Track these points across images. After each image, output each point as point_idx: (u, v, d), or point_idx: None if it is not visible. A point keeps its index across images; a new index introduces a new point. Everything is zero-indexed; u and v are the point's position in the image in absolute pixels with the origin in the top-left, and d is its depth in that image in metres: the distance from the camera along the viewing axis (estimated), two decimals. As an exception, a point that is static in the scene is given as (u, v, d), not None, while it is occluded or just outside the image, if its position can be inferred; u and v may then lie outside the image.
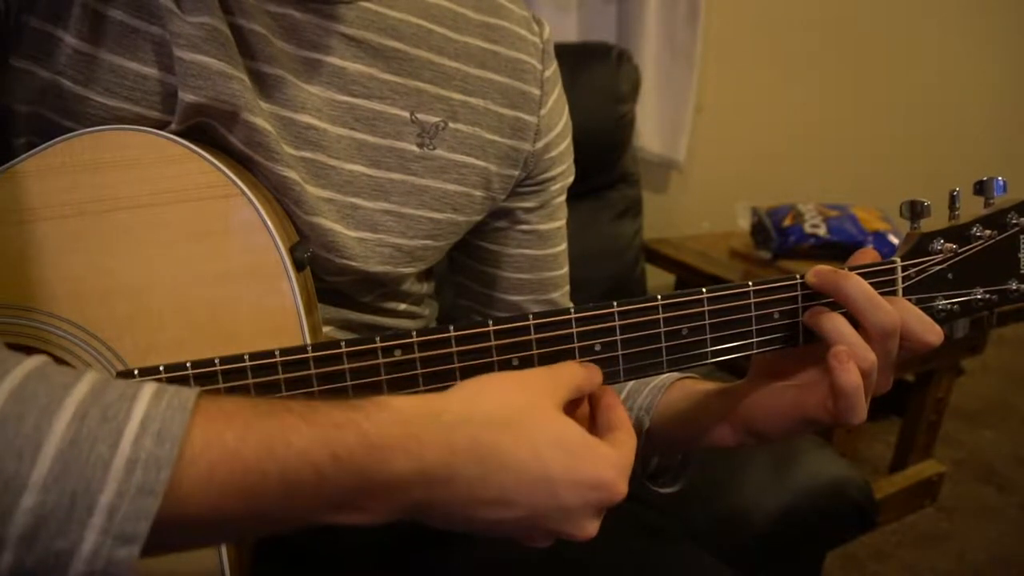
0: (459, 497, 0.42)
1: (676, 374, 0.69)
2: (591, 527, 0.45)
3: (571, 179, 0.76)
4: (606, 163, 1.64)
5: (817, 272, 0.56)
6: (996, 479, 2.04)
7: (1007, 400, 2.45)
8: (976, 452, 2.16)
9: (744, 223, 1.88)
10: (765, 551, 1.01)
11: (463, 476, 0.41)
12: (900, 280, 0.59)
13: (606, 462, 0.45)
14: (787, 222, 1.73)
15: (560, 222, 0.76)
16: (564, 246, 0.77)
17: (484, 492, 0.42)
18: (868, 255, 0.59)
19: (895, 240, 1.65)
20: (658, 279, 1.91)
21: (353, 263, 0.61)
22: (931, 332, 0.55)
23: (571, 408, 0.51)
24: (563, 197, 0.76)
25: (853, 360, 0.52)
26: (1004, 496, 1.98)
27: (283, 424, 0.38)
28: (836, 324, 0.54)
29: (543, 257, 0.75)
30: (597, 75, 1.57)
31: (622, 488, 0.45)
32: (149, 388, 0.36)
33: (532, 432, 0.44)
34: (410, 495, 0.41)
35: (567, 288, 0.79)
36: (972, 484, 2.02)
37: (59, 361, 0.51)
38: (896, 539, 1.81)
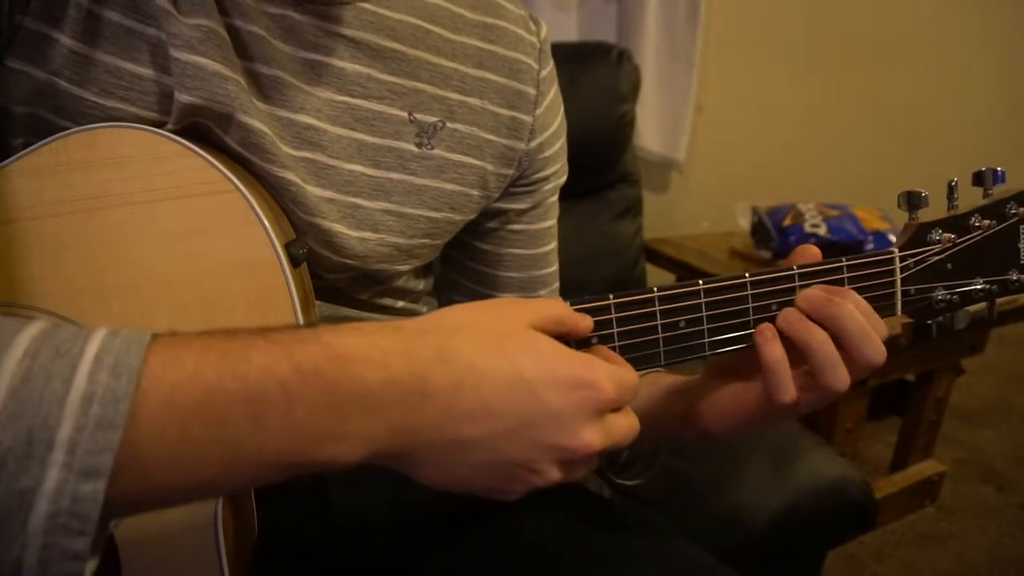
0: (437, 413, 0.40)
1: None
2: (590, 435, 0.42)
3: (564, 179, 0.76)
4: (606, 163, 1.64)
5: (786, 319, 0.55)
6: (996, 479, 2.04)
7: (1007, 400, 2.45)
8: (976, 452, 2.16)
9: (744, 223, 1.88)
10: (765, 551, 1.01)
11: (435, 386, 0.39)
12: (899, 270, 0.58)
13: (583, 362, 0.43)
14: (787, 222, 1.73)
15: (551, 221, 0.76)
16: (554, 245, 0.77)
17: (461, 402, 0.40)
18: (809, 253, 0.58)
19: (895, 239, 1.64)
20: (658, 279, 1.91)
21: (352, 261, 0.62)
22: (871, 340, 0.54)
23: None
24: (555, 196, 0.76)
25: (778, 339, 0.54)
26: (1004, 496, 1.97)
27: (244, 343, 0.36)
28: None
29: (532, 256, 0.75)
30: (597, 75, 1.57)
31: (608, 387, 0.43)
32: (103, 328, 0.35)
33: (501, 340, 0.42)
34: (385, 413, 0.38)
35: (556, 286, 0.79)
36: (972, 484, 2.02)
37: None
38: (896, 539, 1.81)
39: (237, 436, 0.35)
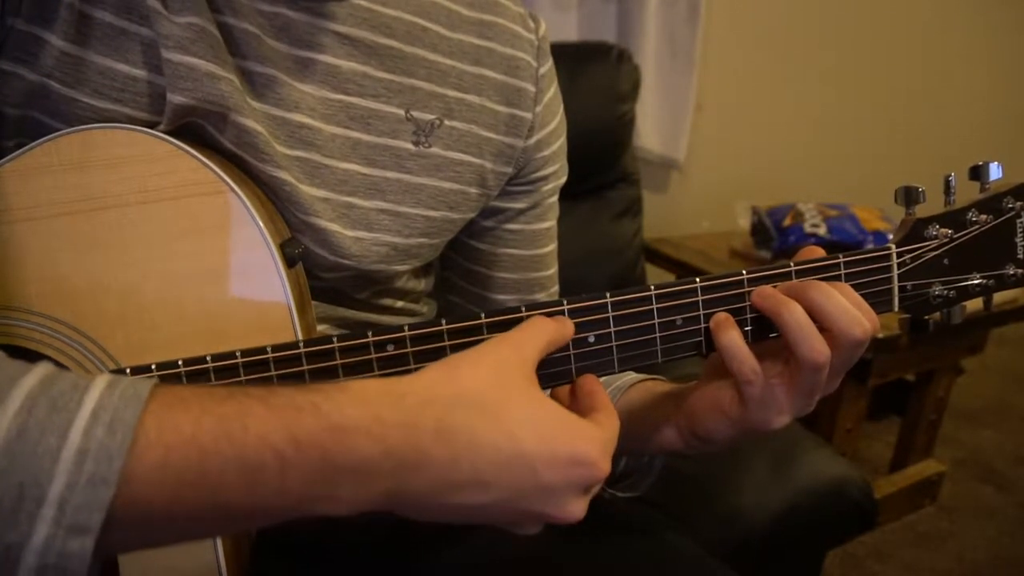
0: (431, 483, 0.40)
1: (641, 375, 0.68)
2: (576, 508, 0.43)
3: (564, 179, 0.75)
4: (606, 162, 1.64)
5: (760, 294, 0.54)
6: (996, 479, 2.04)
7: (1007, 399, 2.45)
8: (976, 452, 2.15)
9: (744, 222, 1.88)
10: (765, 551, 1.01)
11: (432, 459, 0.39)
12: (895, 266, 0.58)
13: (585, 437, 0.43)
14: (787, 222, 1.72)
15: (550, 222, 0.75)
16: (553, 247, 0.76)
17: (457, 475, 0.40)
18: (813, 254, 0.57)
19: (894, 238, 1.64)
20: (658, 279, 1.90)
21: (348, 261, 0.61)
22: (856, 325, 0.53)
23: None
24: (555, 197, 0.75)
25: (736, 327, 0.53)
26: (1004, 496, 1.97)
27: (241, 408, 0.36)
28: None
29: (529, 257, 0.74)
30: (597, 75, 1.57)
31: (604, 465, 0.43)
32: (103, 379, 0.35)
33: (503, 410, 0.42)
34: (379, 482, 0.39)
35: (554, 289, 0.78)
36: (972, 484, 2.02)
37: (50, 361, 0.51)
38: (896, 539, 1.81)
39: (229, 499, 0.36)
